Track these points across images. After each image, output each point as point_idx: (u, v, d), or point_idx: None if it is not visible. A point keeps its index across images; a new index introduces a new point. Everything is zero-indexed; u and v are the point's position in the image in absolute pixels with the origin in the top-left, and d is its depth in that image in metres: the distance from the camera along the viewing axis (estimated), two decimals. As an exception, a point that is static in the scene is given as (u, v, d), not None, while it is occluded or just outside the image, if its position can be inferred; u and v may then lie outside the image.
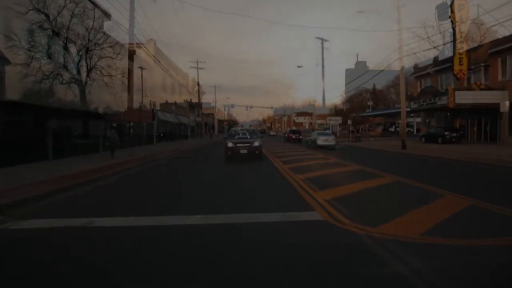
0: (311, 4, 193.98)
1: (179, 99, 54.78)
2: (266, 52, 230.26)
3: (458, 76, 24.19)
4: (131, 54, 18.08)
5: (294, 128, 56.98)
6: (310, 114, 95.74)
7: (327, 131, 29.54)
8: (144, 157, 15.99)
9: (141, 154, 17.13)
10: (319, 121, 68.28)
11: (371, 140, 35.36)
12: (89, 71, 17.08)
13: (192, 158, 17.52)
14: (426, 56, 29.62)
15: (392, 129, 59.03)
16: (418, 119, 58.10)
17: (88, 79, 17.12)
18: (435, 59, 30.34)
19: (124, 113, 18.12)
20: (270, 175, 10.12)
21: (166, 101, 51.15)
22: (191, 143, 32.41)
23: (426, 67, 31.39)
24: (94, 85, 17.50)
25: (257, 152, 14.02)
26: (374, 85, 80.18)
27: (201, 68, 47.23)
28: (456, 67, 23.98)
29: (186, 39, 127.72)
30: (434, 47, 22.15)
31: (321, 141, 22.13)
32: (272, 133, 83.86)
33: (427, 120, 33.14)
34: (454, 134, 24.29)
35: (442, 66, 28.21)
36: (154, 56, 31.18)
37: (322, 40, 43.81)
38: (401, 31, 19.79)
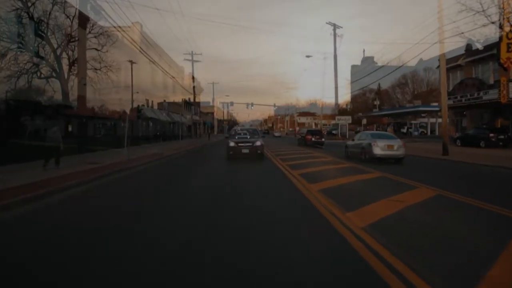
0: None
1: (177, 98, 50.41)
2: (268, 51, 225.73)
3: (505, 65, 19.89)
4: (83, 21, 13.64)
5: (312, 128, 50.26)
6: (313, 114, 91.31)
7: (387, 133, 18.63)
8: (106, 166, 11.63)
9: (105, 162, 12.77)
10: (322, 121, 64.06)
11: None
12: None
13: (175, 171, 13.21)
14: (482, 34, 23.00)
15: (404, 130, 54.88)
16: (433, 120, 54.00)
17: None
18: (468, 48, 26.04)
19: (80, 106, 13.66)
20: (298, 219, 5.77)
21: (164, 100, 46.68)
22: (183, 145, 27.89)
23: (456, 58, 27.04)
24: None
25: (258, 151, 14.27)
26: (379, 84, 75.92)
27: (197, 61, 42.75)
28: (503, 54, 19.67)
29: (185, 37, 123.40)
30: (492, 23, 17.54)
31: (380, 148, 12.80)
32: (276, 134, 75.15)
33: (455, 120, 28.84)
34: (502, 136, 19.93)
35: (479, 55, 23.88)
36: (140, 46, 26.75)
37: (335, 26, 39.41)
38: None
